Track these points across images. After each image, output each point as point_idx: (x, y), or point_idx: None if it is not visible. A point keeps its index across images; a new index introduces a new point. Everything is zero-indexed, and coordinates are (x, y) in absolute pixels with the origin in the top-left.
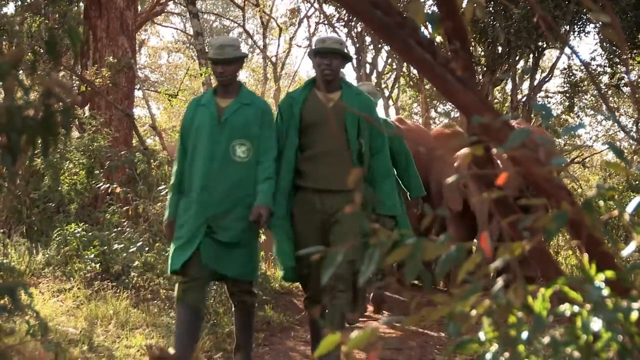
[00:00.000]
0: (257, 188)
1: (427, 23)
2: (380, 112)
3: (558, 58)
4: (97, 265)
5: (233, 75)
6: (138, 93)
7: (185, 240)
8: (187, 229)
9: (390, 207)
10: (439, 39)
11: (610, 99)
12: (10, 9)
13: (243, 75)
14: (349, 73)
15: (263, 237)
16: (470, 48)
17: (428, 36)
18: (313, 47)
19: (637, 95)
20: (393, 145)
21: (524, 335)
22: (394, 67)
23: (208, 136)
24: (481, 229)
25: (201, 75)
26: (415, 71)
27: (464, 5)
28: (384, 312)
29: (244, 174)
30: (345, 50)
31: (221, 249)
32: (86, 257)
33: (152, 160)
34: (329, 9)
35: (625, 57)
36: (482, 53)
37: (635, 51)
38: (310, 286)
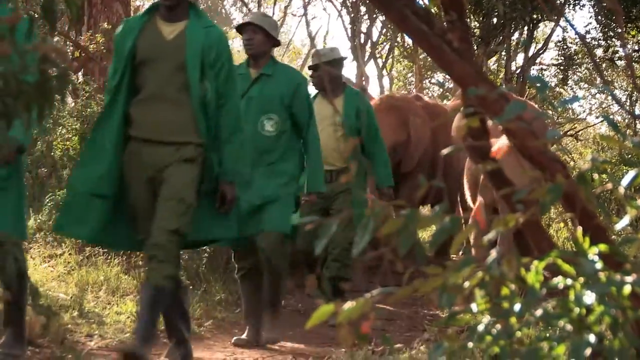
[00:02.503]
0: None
1: None
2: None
3: (553, 30)
4: None
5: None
6: None
7: None
8: None
9: (234, 173)
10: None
11: (605, 72)
12: None
13: (237, 43)
14: (343, 43)
15: None
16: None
17: (424, 6)
18: None
19: (631, 69)
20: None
21: (517, 307)
22: (389, 37)
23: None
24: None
25: None
26: (409, 41)
27: None
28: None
29: None
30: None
31: None
32: None
33: None
34: None
35: (620, 30)
36: (477, 25)
37: (630, 25)
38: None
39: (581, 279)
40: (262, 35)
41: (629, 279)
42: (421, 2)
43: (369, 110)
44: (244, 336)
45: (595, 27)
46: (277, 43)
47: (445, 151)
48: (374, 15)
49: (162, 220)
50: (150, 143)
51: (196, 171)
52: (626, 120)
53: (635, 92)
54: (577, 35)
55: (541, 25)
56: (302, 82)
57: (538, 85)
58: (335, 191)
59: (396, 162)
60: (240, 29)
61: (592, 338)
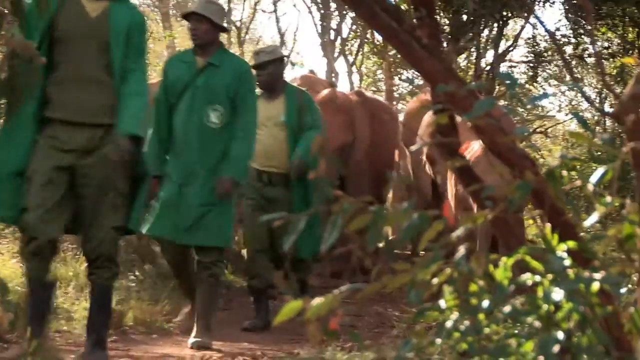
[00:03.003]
0: None
1: None
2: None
3: (523, 27)
4: None
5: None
6: None
7: None
8: None
9: (131, 125)
10: (404, 6)
11: (574, 69)
12: None
13: None
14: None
15: None
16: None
17: (394, 3)
18: None
19: (601, 67)
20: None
21: (485, 304)
22: (358, 33)
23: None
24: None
25: (165, 38)
26: (379, 38)
27: None
28: None
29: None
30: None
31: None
32: None
33: None
34: None
35: (590, 27)
36: (447, 22)
37: (600, 22)
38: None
39: (550, 276)
40: (207, 24)
41: (597, 276)
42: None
43: (311, 107)
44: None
45: (565, 25)
46: (224, 30)
47: (413, 148)
48: (344, 12)
49: (103, 217)
50: (71, 125)
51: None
52: (595, 118)
53: (604, 90)
54: (547, 33)
55: (511, 22)
56: (248, 70)
57: (508, 82)
58: (280, 194)
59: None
60: (186, 17)
61: (560, 335)
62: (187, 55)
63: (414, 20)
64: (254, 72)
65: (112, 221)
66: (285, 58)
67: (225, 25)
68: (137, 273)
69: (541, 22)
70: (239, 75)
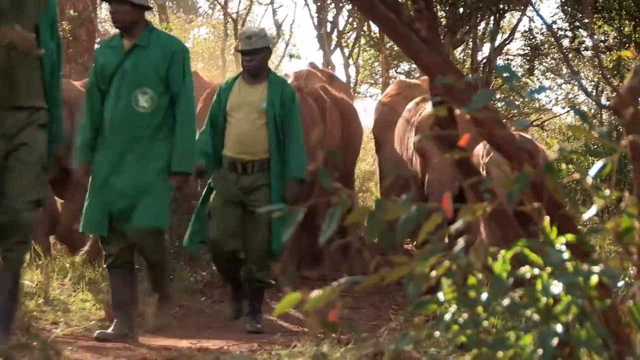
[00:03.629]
0: None
1: None
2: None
3: (519, 20)
4: None
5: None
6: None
7: None
8: None
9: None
10: None
11: (571, 62)
12: None
13: (204, 31)
14: (310, 32)
15: None
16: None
17: None
18: None
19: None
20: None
21: (484, 296)
22: (355, 26)
23: None
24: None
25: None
26: (376, 30)
27: None
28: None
29: None
30: None
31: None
32: None
33: None
34: None
35: (587, 20)
36: (444, 14)
37: (597, 15)
38: None
39: (548, 269)
40: (127, 5)
41: (596, 269)
42: None
43: (293, 98)
44: (110, 330)
45: (562, 18)
46: (146, 8)
47: (414, 139)
48: (341, 4)
49: (24, 189)
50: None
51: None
52: (592, 111)
53: (602, 83)
54: (544, 25)
55: (508, 15)
56: (179, 50)
57: (505, 74)
58: (257, 184)
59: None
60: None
61: (559, 328)
62: (114, 40)
63: (412, 12)
64: (244, 57)
65: (31, 194)
66: (270, 43)
67: (147, 4)
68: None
69: (539, 15)
70: (170, 54)
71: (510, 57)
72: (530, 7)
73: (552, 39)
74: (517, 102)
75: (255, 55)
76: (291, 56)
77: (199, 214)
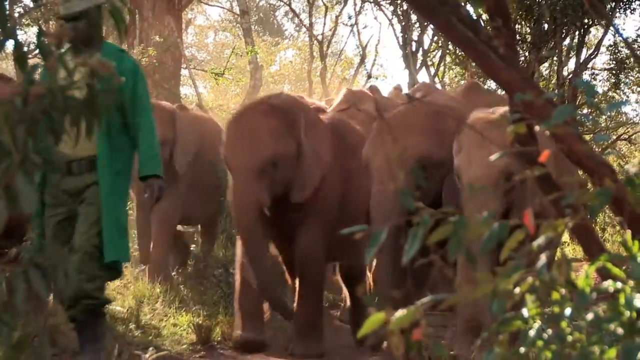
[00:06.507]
0: None
1: (469, 0)
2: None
3: (604, 35)
4: None
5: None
6: (184, 72)
7: None
8: None
9: None
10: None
11: None
12: None
13: (290, 54)
14: (395, 52)
15: None
16: (514, 25)
17: (470, 13)
18: None
19: None
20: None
21: (567, 312)
22: (440, 44)
23: None
24: None
25: (247, 53)
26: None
27: None
28: None
29: None
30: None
31: None
32: (134, 235)
33: None
34: None
35: None
36: (528, 30)
37: None
38: None
39: (631, 283)
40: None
41: None
42: (467, 9)
43: (135, 71)
44: None
45: None
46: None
47: (493, 157)
48: (425, 23)
49: None
50: None
51: None
52: None
53: None
54: (623, 42)
55: (592, 30)
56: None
57: (584, 89)
58: (88, 183)
59: None
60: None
61: None
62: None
63: (490, 30)
64: (66, 24)
65: None
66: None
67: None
68: (223, 288)
69: (618, 31)
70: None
71: (596, 72)
72: (611, 24)
73: (636, 52)
74: (598, 118)
75: (77, 21)
76: (369, 77)
77: None
